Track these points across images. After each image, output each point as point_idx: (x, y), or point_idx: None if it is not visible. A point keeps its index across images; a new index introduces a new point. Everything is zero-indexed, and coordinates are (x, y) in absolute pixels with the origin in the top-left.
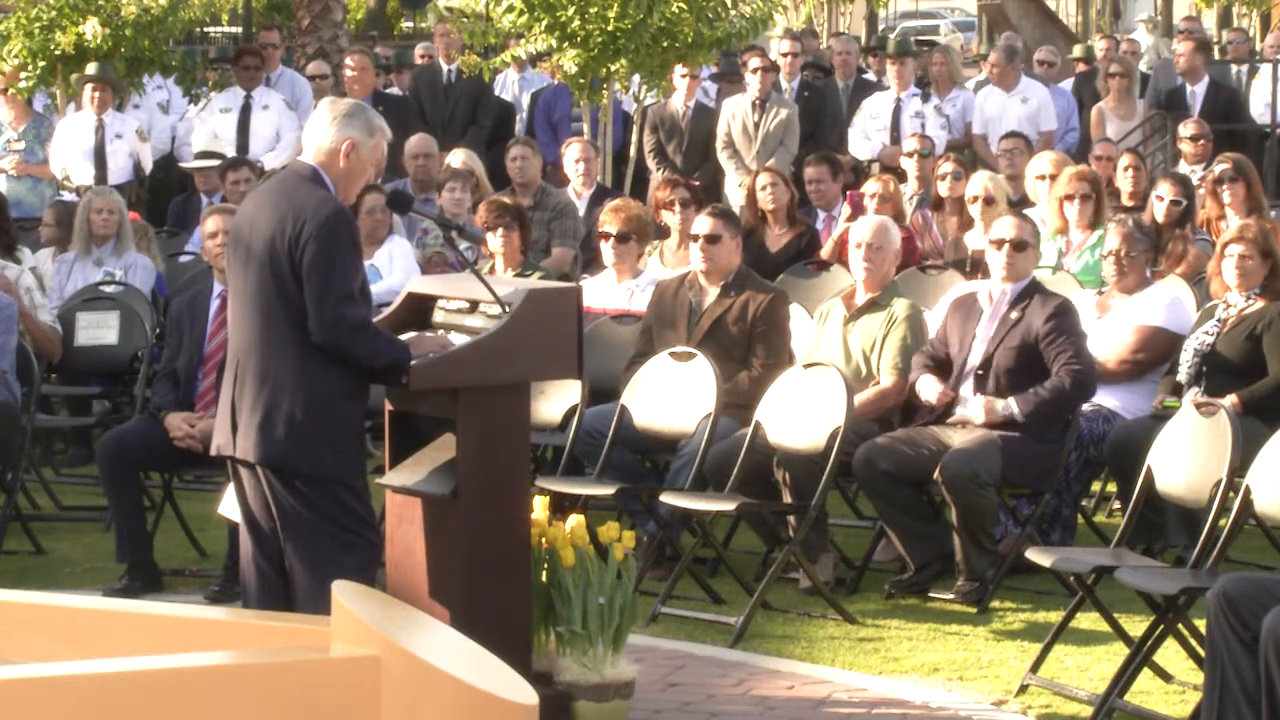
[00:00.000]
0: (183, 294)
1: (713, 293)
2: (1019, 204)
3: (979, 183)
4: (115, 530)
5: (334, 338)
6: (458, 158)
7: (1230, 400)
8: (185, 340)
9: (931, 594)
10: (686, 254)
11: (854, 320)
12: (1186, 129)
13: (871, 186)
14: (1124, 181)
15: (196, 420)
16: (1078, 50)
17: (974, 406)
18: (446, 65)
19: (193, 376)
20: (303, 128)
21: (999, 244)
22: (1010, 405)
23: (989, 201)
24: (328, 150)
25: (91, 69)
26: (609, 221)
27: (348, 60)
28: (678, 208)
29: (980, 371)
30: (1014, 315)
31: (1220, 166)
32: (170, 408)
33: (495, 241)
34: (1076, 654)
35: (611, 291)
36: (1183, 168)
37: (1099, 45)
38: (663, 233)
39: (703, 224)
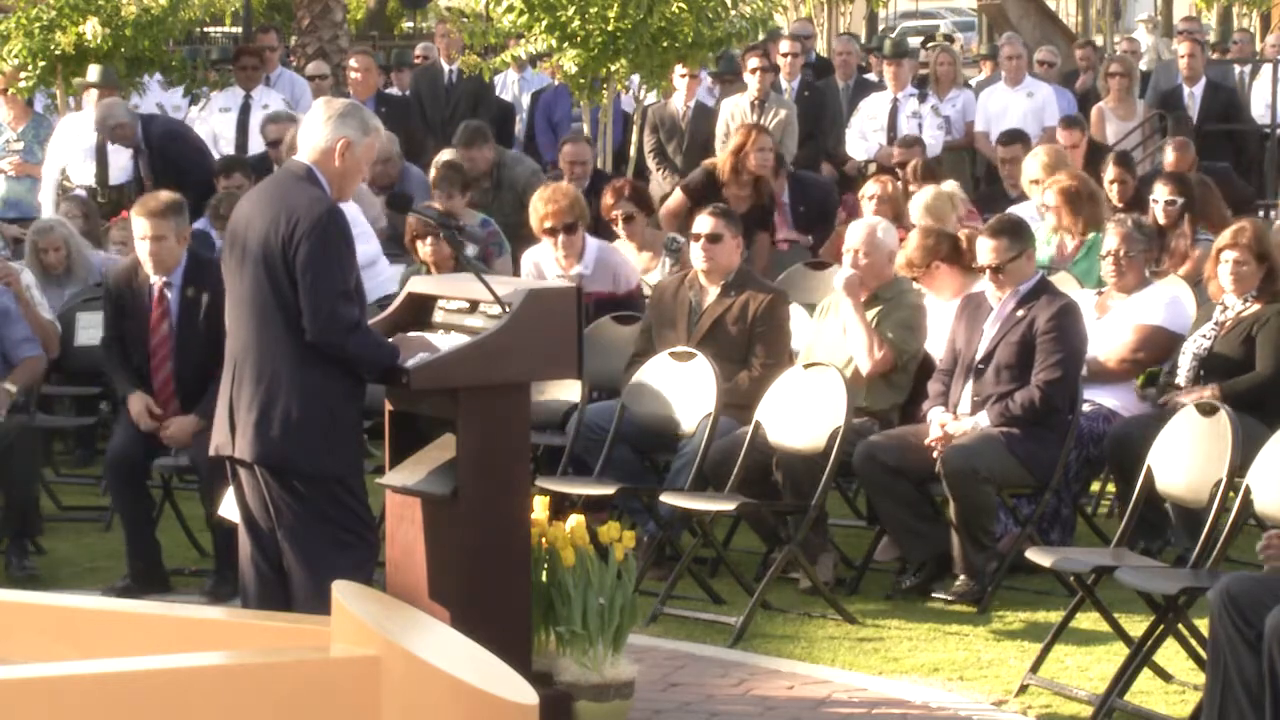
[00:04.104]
0: (117, 269)
1: (713, 292)
2: (1017, 200)
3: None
4: (127, 544)
5: (329, 337)
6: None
7: (1210, 390)
8: (128, 326)
9: (932, 594)
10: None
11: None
12: (1168, 151)
13: (870, 188)
14: (1111, 193)
15: (159, 413)
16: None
17: (953, 424)
18: (447, 65)
19: (144, 370)
20: None
21: (981, 270)
22: (979, 420)
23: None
24: (322, 149)
25: (94, 72)
26: (548, 216)
27: (351, 61)
28: (621, 224)
29: (981, 365)
30: (1020, 313)
31: (1166, 199)
32: (134, 387)
33: (425, 250)
34: (1076, 654)
35: (564, 278)
36: None
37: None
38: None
39: (704, 223)
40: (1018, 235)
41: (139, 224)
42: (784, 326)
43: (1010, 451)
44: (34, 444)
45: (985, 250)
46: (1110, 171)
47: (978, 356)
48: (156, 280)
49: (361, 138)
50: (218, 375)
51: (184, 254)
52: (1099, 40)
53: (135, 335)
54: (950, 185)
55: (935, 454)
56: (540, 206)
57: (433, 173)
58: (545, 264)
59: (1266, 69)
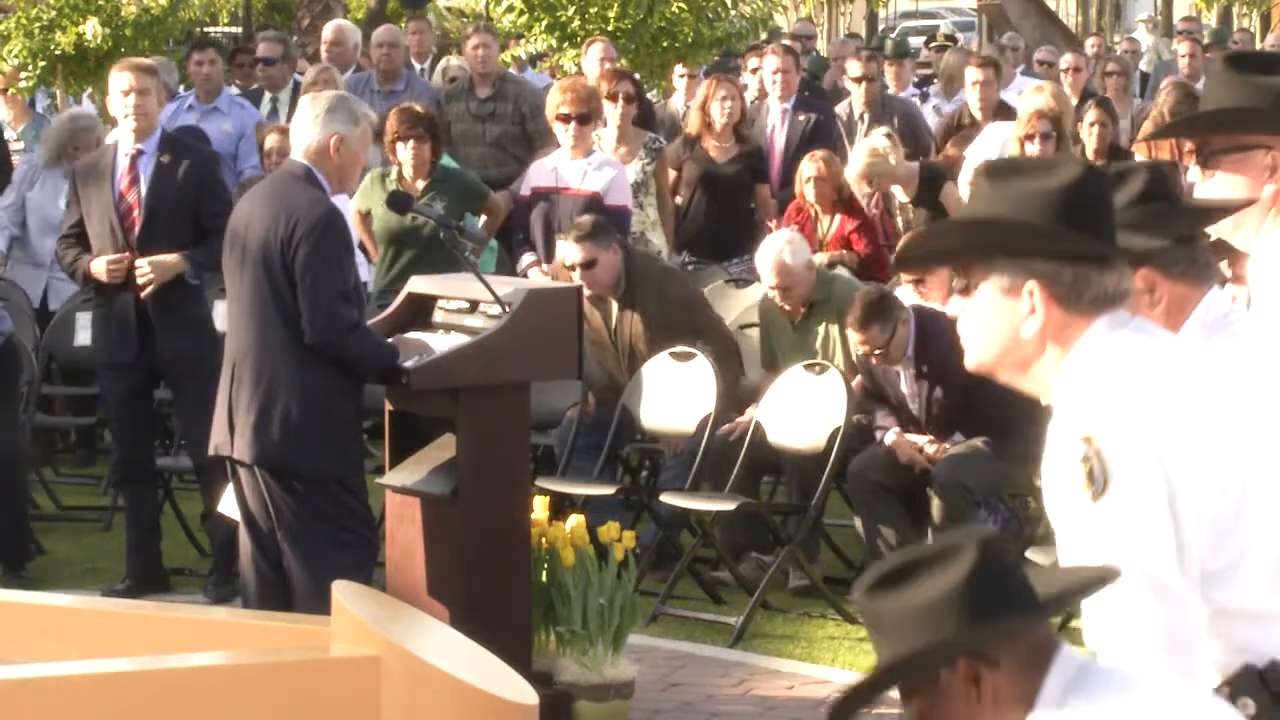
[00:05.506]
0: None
1: (615, 306)
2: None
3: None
4: (128, 547)
5: (328, 338)
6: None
7: None
8: (94, 207)
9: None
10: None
11: (803, 324)
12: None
13: (807, 169)
14: (1088, 138)
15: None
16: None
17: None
18: (418, 65)
19: (114, 238)
20: None
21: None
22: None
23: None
24: (316, 148)
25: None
26: (565, 103)
27: None
28: (621, 103)
29: (933, 427)
30: (925, 369)
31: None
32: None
33: (405, 152)
34: None
35: (566, 169)
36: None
37: (1090, 43)
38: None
39: (572, 253)
40: (886, 314)
41: (121, 79)
42: (703, 309)
43: (999, 457)
44: (25, 466)
45: (858, 342)
46: (1090, 114)
47: (923, 419)
48: (129, 150)
49: (353, 129)
50: (213, 240)
51: (160, 124)
52: (1098, 40)
53: (98, 213)
54: (877, 134)
55: (919, 465)
56: (558, 94)
57: (389, 131)
58: (550, 163)
59: None
